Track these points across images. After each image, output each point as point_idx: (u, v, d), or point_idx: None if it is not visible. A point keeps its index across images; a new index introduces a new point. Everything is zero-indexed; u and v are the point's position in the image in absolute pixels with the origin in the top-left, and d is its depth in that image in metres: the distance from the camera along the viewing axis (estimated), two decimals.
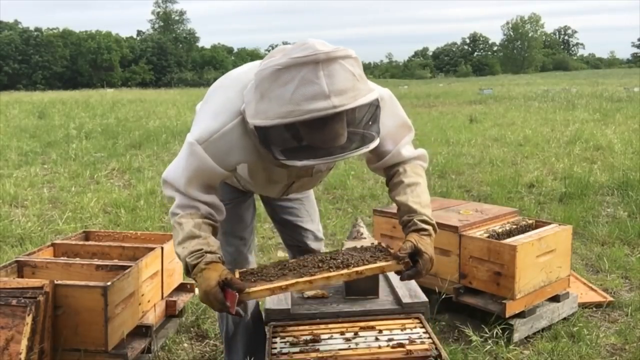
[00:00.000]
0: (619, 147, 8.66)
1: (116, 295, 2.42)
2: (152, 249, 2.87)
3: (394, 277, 2.24)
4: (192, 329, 3.19)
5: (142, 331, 2.66)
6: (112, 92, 35.11)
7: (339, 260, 1.87)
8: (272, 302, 2.24)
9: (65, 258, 2.85)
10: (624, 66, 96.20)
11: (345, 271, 1.81)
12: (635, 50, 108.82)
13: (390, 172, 2.08)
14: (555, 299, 3.13)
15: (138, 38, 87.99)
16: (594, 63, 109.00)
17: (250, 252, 2.47)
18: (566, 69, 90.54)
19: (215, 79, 2.08)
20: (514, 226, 3.20)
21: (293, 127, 1.62)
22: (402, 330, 2.06)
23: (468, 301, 3.02)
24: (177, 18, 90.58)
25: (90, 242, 3.07)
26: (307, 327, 2.09)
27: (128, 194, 6.42)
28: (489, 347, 2.80)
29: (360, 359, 1.86)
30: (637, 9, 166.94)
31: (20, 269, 2.66)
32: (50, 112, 16.74)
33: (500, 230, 3.15)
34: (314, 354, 1.87)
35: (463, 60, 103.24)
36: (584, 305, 3.33)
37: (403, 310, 2.15)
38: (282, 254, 4.37)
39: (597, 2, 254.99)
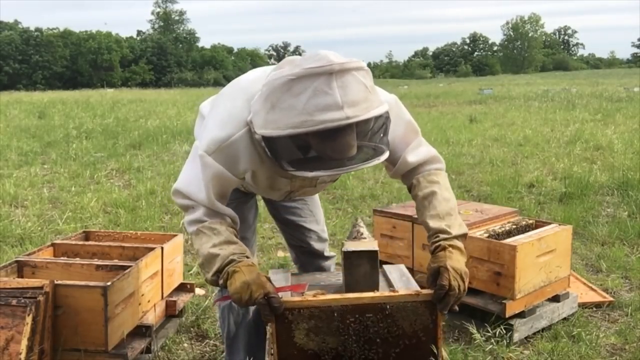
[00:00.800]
0: (619, 147, 8.66)
1: (116, 295, 2.42)
2: (152, 249, 2.87)
3: (394, 277, 2.23)
4: (192, 329, 3.19)
5: (142, 331, 2.66)
6: (112, 92, 35.10)
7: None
8: None
9: (65, 258, 2.85)
10: (624, 66, 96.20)
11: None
12: (635, 50, 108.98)
13: (407, 183, 2.07)
14: (555, 299, 3.13)
15: (138, 38, 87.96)
16: (594, 63, 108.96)
17: (252, 253, 2.47)
18: (566, 69, 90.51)
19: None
20: (514, 226, 3.20)
21: (304, 137, 1.63)
22: None
23: (468, 301, 3.02)
24: (177, 18, 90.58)
25: (90, 242, 3.07)
26: None
27: (128, 194, 6.42)
28: (489, 347, 2.79)
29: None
30: (637, 9, 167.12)
31: (20, 269, 2.66)
32: (50, 112, 16.73)
33: (500, 230, 3.15)
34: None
35: (463, 60, 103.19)
36: (584, 305, 3.33)
37: None
38: (282, 254, 4.37)
39: (597, 2, 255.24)
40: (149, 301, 2.80)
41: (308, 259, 2.68)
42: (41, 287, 2.28)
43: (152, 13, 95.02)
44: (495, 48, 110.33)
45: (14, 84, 63.38)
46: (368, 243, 2.45)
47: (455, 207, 1.98)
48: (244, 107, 1.81)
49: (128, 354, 2.45)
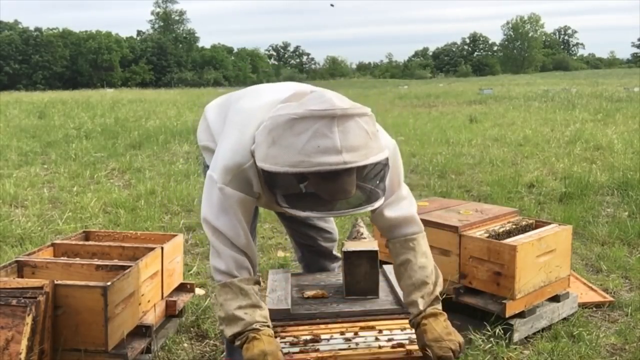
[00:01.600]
0: (619, 147, 8.66)
1: (116, 295, 2.42)
2: (152, 249, 2.87)
3: (393, 277, 2.23)
4: (192, 329, 3.19)
5: (142, 331, 2.66)
6: (112, 92, 35.05)
7: None
8: (272, 302, 2.24)
9: (65, 258, 2.85)
10: (624, 66, 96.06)
11: None
12: (635, 50, 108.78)
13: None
14: (555, 299, 3.13)
15: (138, 38, 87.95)
16: (594, 63, 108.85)
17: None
18: (566, 69, 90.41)
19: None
20: (514, 226, 3.20)
21: (301, 176, 1.66)
22: (402, 330, 2.06)
23: (468, 301, 3.02)
24: (177, 18, 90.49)
25: (90, 242, 3.07)
26: (307, 327, 2.10)
27: (128, 194, 6.42)
28: (489, 346, 2.79)
29: (361, 359, 1.86)
30: (637, 9, 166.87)
31: (20, 269, 2.66)
32: (50, 112, 16.71)
33: (500, 230, 3.15)
34: (314, 354, 1.88)
35: (463, 60, 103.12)
36: (584, 305, 3.33)
37: (403, 310, 2.15)
38: (282, 254, 4.37)
39: (597, 2, 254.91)
40: (149, 301, 2.80)
41: (314, 257, 2.69)
42: (41, 287, 2.28)
43: (152, 13, 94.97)
44: (495, 48, 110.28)
45: (14, 84, 63.35)
46: (368, 243, 2.45)
47: (431, 270, 2.02)
48: (252, 136, 1.86)
49: (128, 354, 2.45)
